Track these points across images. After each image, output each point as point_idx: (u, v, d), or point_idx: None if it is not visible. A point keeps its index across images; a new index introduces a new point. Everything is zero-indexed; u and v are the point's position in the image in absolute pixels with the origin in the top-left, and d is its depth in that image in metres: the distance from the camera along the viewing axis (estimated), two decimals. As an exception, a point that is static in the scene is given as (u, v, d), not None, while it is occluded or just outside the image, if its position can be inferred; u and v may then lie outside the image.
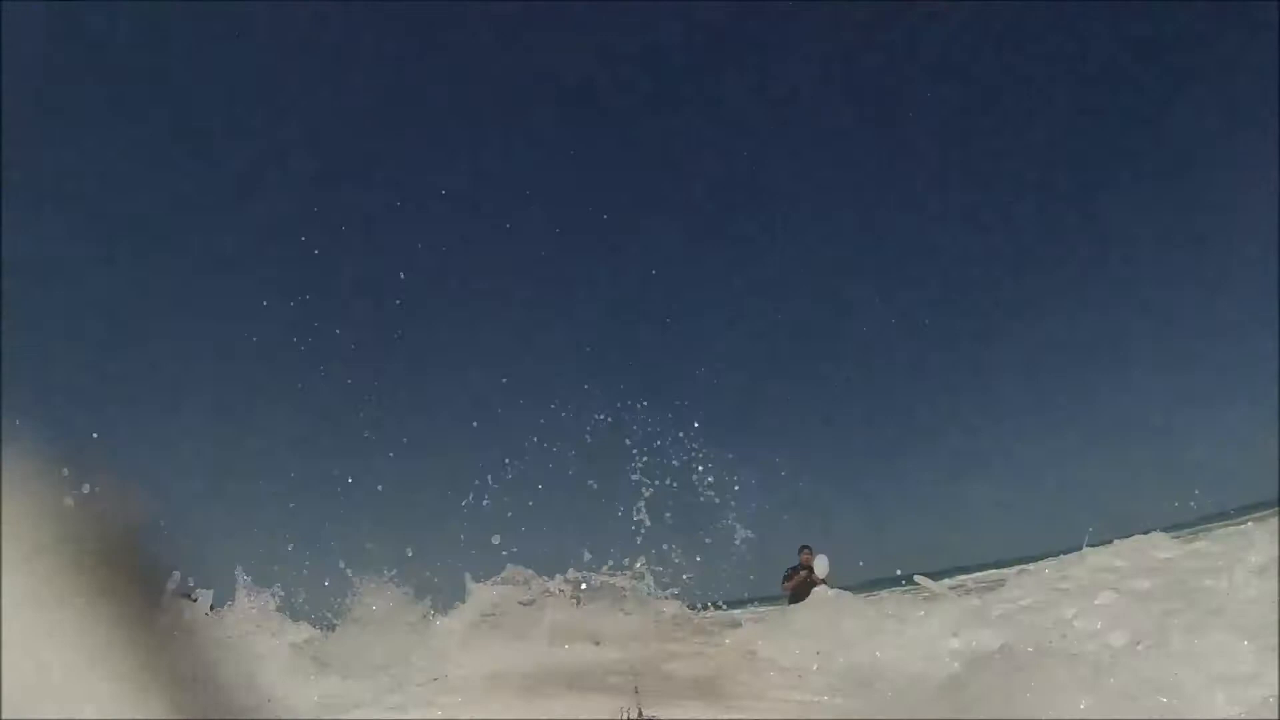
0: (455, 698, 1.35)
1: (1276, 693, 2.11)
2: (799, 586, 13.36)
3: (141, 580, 0.88)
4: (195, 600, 2.10)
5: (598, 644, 1.93)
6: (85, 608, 0.79)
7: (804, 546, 14.51)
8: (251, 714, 0.91)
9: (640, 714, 1.20)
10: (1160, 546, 4.12)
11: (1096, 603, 3.24)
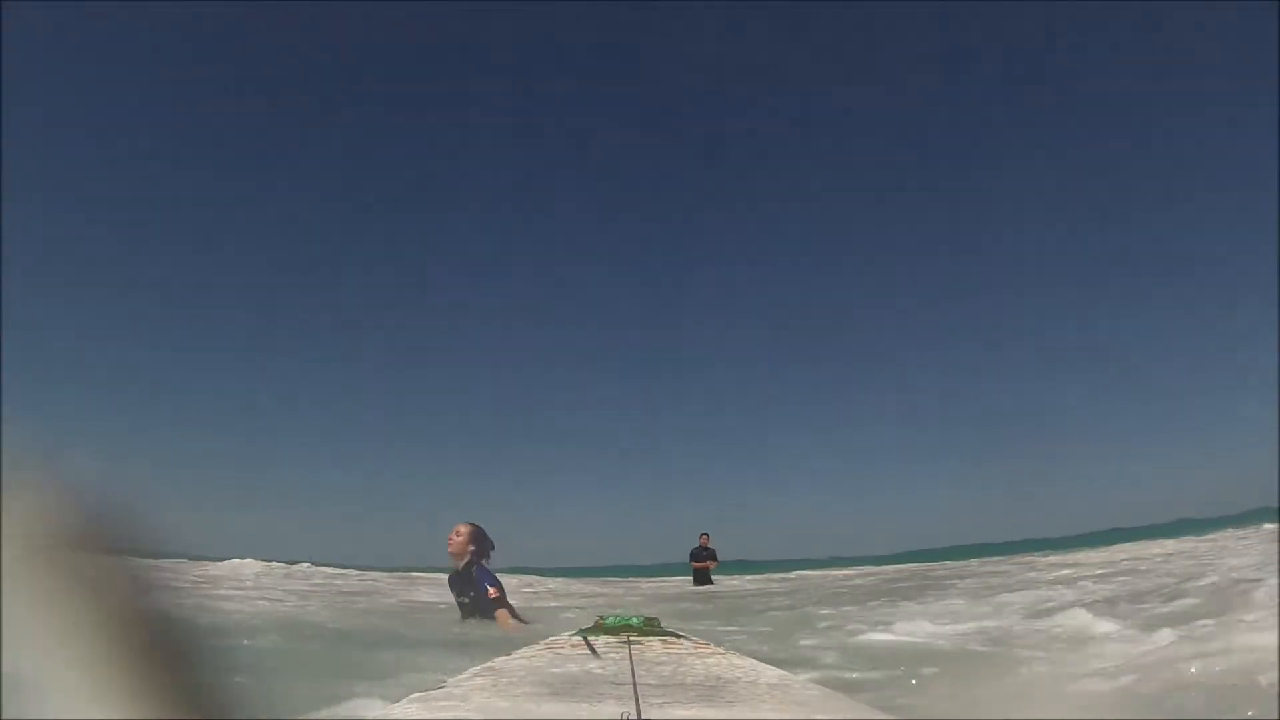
0: (453, 698, 1.34)
1: (1276, 691, 2.12)
2: (703, 568, 13.96)
3: (143, 576, 0.87)
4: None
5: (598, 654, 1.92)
6: (85, 606, 0.78)
7: (703, 533, 14.92)
8: (248, 712, 0.90)
9: (640, 715, 1.19)
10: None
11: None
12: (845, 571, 18.17)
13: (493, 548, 5.38)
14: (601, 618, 2.89)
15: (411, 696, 1.34)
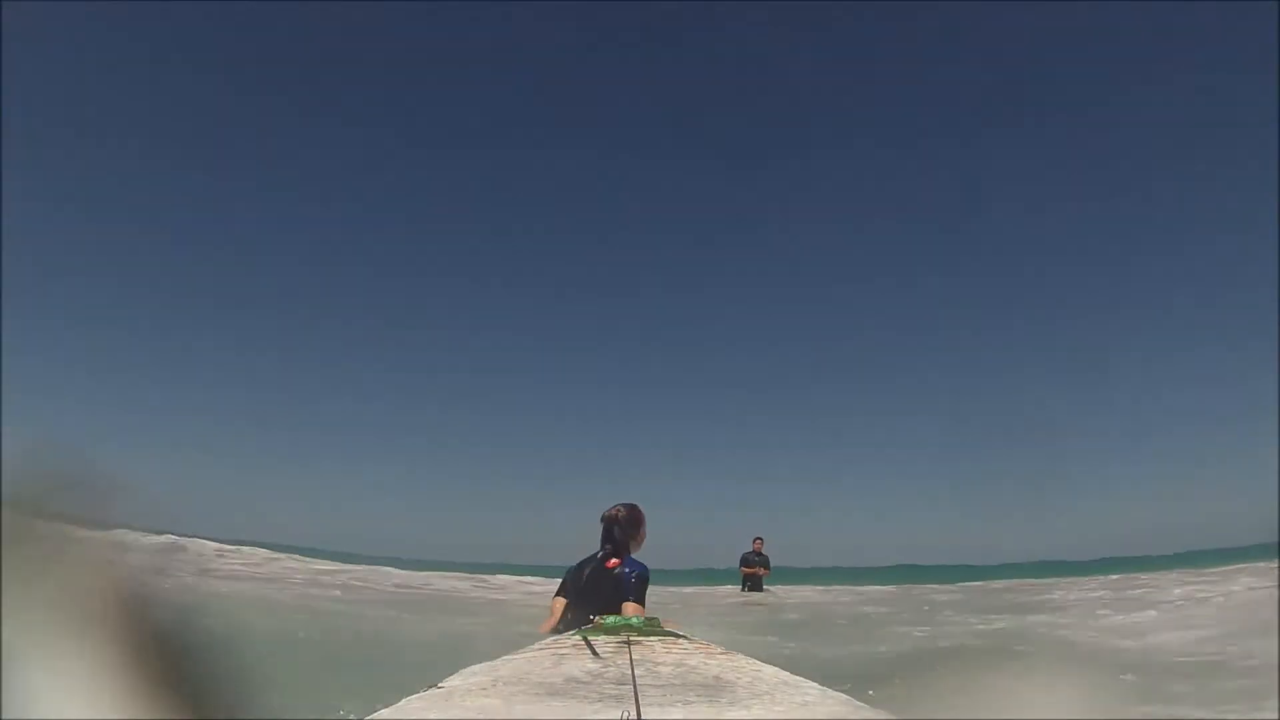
0: (451, 698, 1.33)
1: (1277, 691, 2.12)
2: (753, 575, 13.78)
3: (146, 579, 0.86)
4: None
5: (596, 654, 1.91)
6: (88, 608, 0.77)
7: (757, 537, 14.76)
8: (248, 713, 0.89)
9: (640, 716, 1.18)
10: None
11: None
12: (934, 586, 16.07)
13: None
14: (601, 618, 2.88)
15: (409, 697, 1.33)
